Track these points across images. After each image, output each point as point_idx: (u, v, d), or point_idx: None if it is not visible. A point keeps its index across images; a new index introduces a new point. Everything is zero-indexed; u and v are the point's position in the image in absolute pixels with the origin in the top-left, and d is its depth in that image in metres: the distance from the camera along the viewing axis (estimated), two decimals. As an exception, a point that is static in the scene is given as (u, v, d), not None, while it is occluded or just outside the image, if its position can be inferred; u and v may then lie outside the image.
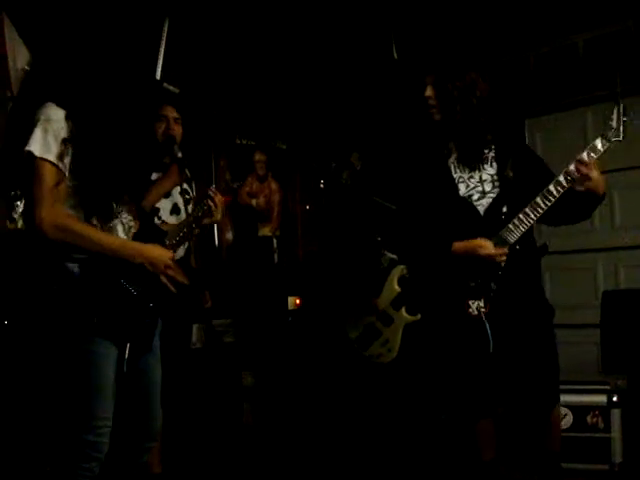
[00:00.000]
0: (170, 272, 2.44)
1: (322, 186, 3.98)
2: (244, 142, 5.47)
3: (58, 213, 2.26)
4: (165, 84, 2.96)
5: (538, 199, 2.75)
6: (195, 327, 4.44)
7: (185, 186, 3.50)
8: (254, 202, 5.65)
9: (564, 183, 2.72)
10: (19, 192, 2.42)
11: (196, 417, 4.25)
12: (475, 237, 2.81)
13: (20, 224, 3.10)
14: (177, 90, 3.13)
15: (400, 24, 4.89)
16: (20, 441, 3.19)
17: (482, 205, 2.86)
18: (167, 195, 3.40)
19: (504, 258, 2.78)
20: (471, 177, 2.89)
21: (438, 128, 2.93)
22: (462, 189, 2.89)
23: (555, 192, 2.73)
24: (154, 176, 3.34)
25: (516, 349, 2.88)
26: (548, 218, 2.86)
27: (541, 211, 2.76)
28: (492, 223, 2.83)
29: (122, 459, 2.47)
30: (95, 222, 2.33)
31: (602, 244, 4.91)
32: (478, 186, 2.88)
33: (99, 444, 2.28)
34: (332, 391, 4.63)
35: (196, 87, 4.65)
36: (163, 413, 2.57)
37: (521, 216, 2.77)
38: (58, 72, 2.35)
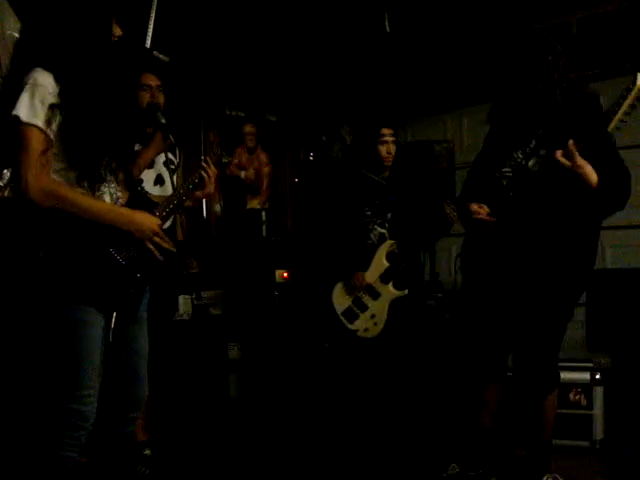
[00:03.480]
0: (157, 239, 2.42)
1: (312, 159, 3.96)
2: (234, 113, 5.43)
3: (45, 179, 2.23)
4: (155, 52, 2.92)
5: None
6: (182, 298, 4.44)
7: (170, 156, 3.47)
8: (243, 174, 5.62)
9: None
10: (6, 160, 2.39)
11: (182, 389, 4.26)
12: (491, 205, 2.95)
13: (7, 193, 3.06)
14: (167, 59, 3.09)
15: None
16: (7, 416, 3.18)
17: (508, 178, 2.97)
18: (150, 165, 3.35)
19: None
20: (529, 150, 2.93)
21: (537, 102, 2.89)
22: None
23: None
24: (137, 147, 3.30)
25: (523, 326, 2.97)
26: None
27: None
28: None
29: (107, 429, 2.47)
30: (85, 185, 2.31)
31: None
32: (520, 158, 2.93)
33: (85, 413, 2.28)
34: (318, 363, 4.65)
35: (187, 56, 4.60)
36: (149, 384, 2.57)
37: None
38: (48, 38, 2.32)
